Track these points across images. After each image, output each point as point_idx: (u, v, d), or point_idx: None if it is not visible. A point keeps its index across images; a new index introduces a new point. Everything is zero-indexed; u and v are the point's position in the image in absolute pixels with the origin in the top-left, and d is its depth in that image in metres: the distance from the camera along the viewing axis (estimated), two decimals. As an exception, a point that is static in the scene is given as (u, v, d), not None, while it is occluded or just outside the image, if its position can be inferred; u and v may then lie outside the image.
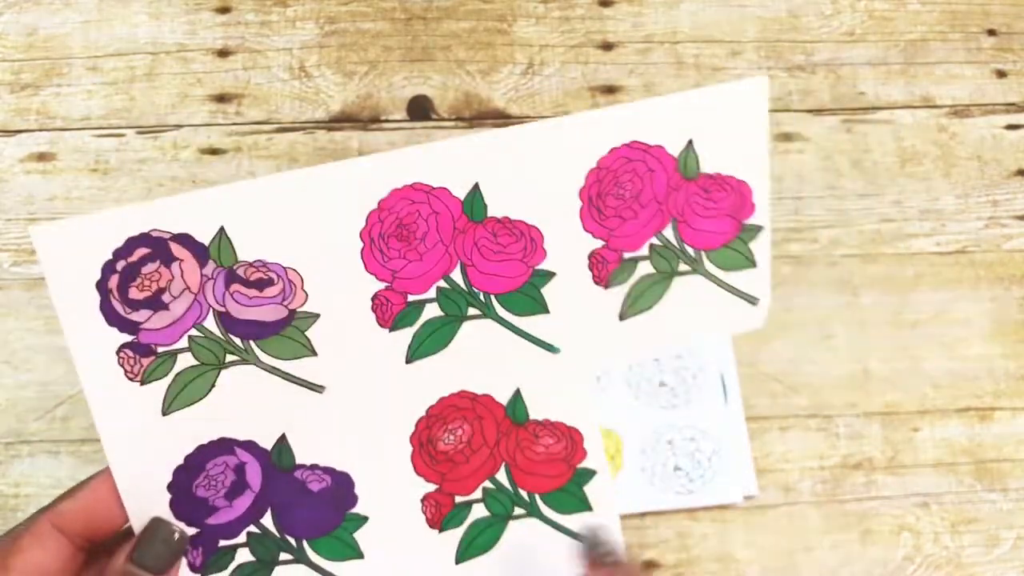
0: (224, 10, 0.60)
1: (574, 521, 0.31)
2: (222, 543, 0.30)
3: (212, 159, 0.56)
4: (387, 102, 0.58)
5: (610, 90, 0.59)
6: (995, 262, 0.56)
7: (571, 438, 0.31)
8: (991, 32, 0.61)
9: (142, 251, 0.28)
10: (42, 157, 0.56)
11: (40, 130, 0.57)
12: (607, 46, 0.60)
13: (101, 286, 0.28)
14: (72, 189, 0.56)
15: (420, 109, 0.58)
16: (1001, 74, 0.60)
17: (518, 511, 0.31)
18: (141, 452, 0.29)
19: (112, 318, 0.28)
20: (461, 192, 0.29)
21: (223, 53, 0.59)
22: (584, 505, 0.31)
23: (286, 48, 0.59)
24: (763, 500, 0.51)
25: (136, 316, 0.28)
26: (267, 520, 0.30)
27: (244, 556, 0.30)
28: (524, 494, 0.31)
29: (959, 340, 0.54)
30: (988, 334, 0.54)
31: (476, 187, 0.29)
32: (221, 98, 0.58)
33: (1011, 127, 0.59)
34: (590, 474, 0.31)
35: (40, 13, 0.59)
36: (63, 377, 0.52)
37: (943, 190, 0.57)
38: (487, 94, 0.59)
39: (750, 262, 0.31)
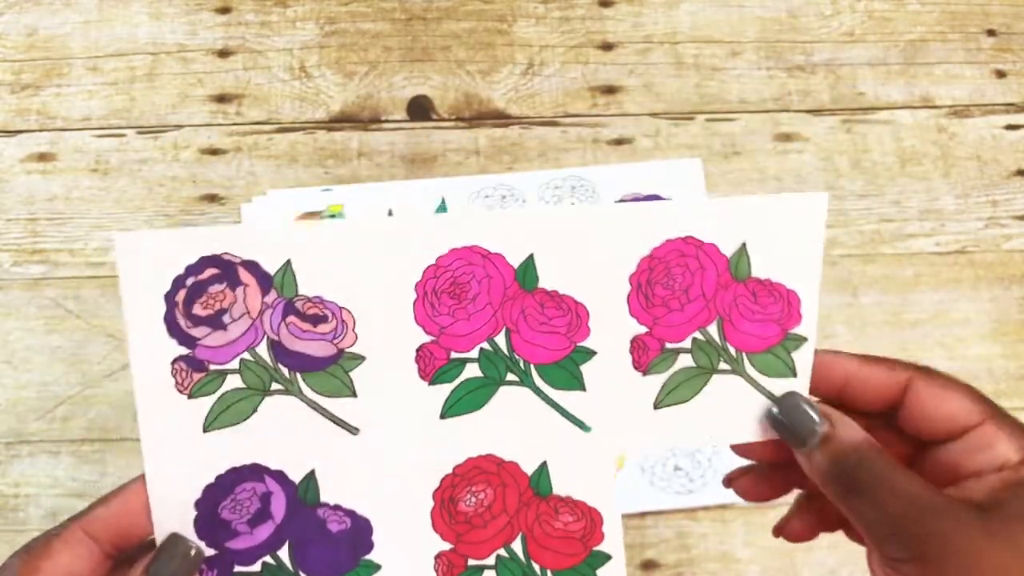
0: (224, 10, 0.60)
1: None
2: (237, 568, 0.30)
3: (212, 159, 0.56)
4: (387, 102, 0.58)
5: (610, 90, 0.59)
6: (995, 262, 0.56)
7: (591, 519, 0.31)
8: (991, 32, 0.61)
9: (212, 271, 0.29)
10: (43, 157, 0.56)
11: (41, 130, 0.57)
12: (607, 46, 0.60)
13: (169, 298, 0.29)
14: (72, 189, 0.56)
15: (420, 109, 0.58)
16: (1001, 74, 0.60)
17: None
18: (177, 464, 0.30)
19: (173, 330, 0.29)
20: (516, 260, 0.30)
21: (223, 53, 0.59)
22: None
23: (286, 48, 0.59)
24: (763, 500, 0.51)
25: (196, 331, 0.29)
26: (283, 552, 0.30)
27: None
28: (536, 568, 0.31)
29: (959, 340, 0.54)
30: (988, 334, 0.54)
31: (531, 258, 0.30)
32: (221, 98, 0.58)
33: (1011, 127, 0.59)
34: (605, 558, 0.31)
35: (40, 13, 0.59)
36: (63, 377, 0.52)
37: (943, 190, 0.57)
38: (487, 94, 0.59)
39: (791, 371, 0.31)
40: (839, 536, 0.50)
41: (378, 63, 0.59)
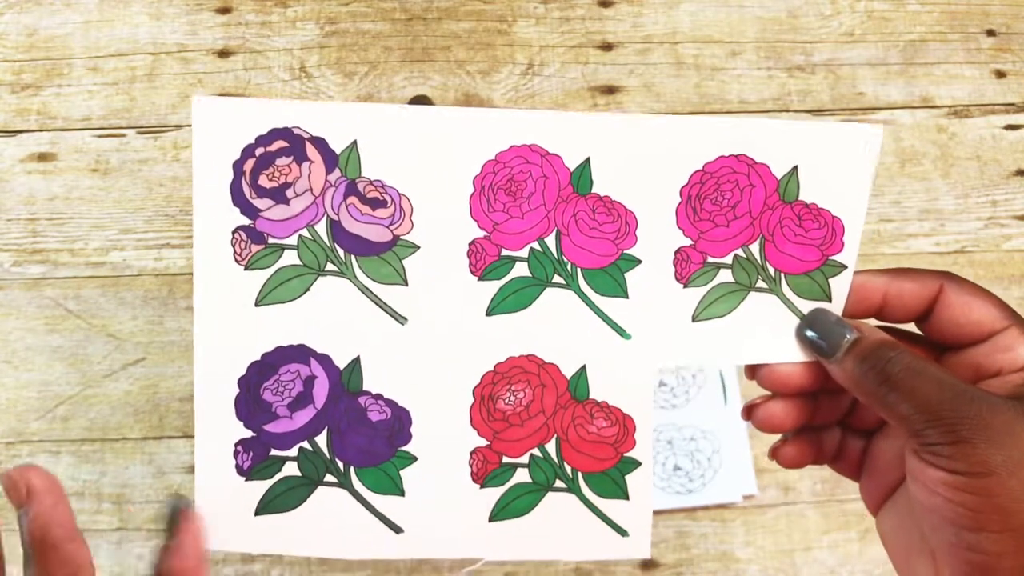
0: (225, 10, 0.60)
1: (610, 505, 0.31)
2: (273, 452, 0.30)
3: (212, 159, 0.56)
4: (387, 102, 0.58)
5: (610, 90, 0.59)
6: (995, 262, 0.56)
7: (624, 425, 0.31)
8: (990, 32, 0.61)
9: (281, 144, 0.29)
10: (43, 157, 0.56)
11: (41, 130, 0.57)
12: (607, 46, 0.60)
13: (237, 166, 0.29)
14: (73, 189, 0.56)
15: (420, 109, 0.58)
16: (1000, 74, 0.60)
17: (559, 484, 0.31)
18: (226, 337, 0.30)
19: (238, 199, 0.29)
20: (572, 163, 0.30)
21: (224, 53, 0.59)
22: (622, 493, 0.31)
23: (286, 48, 0.59)
24: (763, 500, 0.51)
25: (259, 203, 0.30)
26: (321, 439, 0.30)
27: (291, 470, 0.30)
28: (568, 469, 0.31)
29: (959, 340, 0.54)
30: (988, 334, 0.54)
31: (587, 161, 0.30)
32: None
33: (1010, 127, 0.59)
34: (634, 464, 0.31)
35: (41, 13, 0.60)
36: (63, 377, 0.52)
37: (942, 190, 0.57)
38: (487, 94, 0.59)
39: (825, 295, 0.31)
40: (839, 536, 0.51)
41: (378, 63, 0.59)
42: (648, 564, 0.50)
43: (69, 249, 0.55)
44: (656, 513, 0.50)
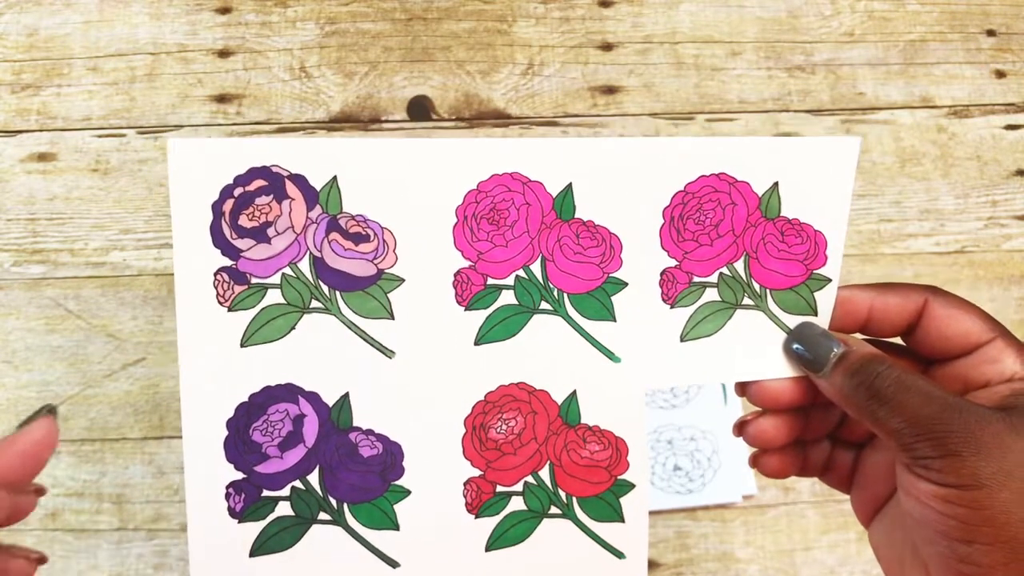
0: (225, 10, 0.60)
1: (605, 528, 0.31)
2: (265, 493, 0.30)
3: (212, 159, 0.56)
4: (387, 102, 0.58)
5: (610, 90, 0.59)
6: (994, 262, 0.56)
7: (617, 448, 0.31)
8: (990, 32, 0.61)
9: (260, 183, 0.29)
10: (43, 157, 0.56)
11: (41, 130, 0.57)
12: (607, 46, 0.60)
13: (216, 207, 0.29)
14: (73, 189, 0.56)
15: (420, 109, 0.58)
16: (1000, 74, 0.60)
17: (554, 510, 0.31)
18: (212, 380, 0.30)
19: (218, 240, 0.29)
20: (555, 189, 0.30)
21: (224, 53, 0.59)
22: (617, 516, 0.32)
23: (286, 48, 0.59)
24: (762, 500, 0.51)
25: (240, 243, 0.29)
26: (313, 477, 0.30)
27: (284, 509, 0.30)
28: (563, 495, 0.31)
29: (958, 340, 0.54)
30: (987, 334, 0.54)
31: (569, 187, 0.30)
32: (222, 98, 0.58)
33: (1010, 127, 0.59)
34: (629, 487, 0.32)
35: (41, 13, 0.60)
36: (63, 377, 0.52)
37: (942, 190, 0.57)
38: (487, 94, 0.59)
39: (812, 309, 0.31)
40: (839, 536, 0.51)
41: (378, 63, 0.59)
42: (648, 564, 0.50)
43: (69, 249, 0.55)
44: (656, 513, 0.50)
